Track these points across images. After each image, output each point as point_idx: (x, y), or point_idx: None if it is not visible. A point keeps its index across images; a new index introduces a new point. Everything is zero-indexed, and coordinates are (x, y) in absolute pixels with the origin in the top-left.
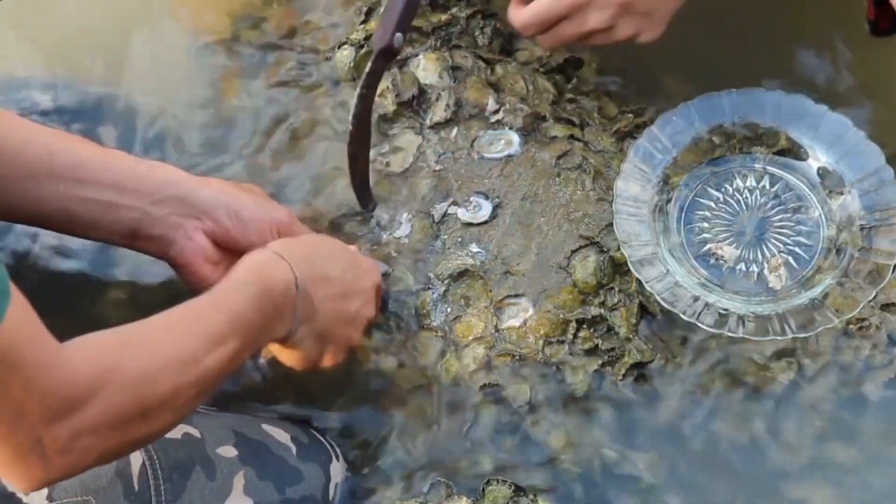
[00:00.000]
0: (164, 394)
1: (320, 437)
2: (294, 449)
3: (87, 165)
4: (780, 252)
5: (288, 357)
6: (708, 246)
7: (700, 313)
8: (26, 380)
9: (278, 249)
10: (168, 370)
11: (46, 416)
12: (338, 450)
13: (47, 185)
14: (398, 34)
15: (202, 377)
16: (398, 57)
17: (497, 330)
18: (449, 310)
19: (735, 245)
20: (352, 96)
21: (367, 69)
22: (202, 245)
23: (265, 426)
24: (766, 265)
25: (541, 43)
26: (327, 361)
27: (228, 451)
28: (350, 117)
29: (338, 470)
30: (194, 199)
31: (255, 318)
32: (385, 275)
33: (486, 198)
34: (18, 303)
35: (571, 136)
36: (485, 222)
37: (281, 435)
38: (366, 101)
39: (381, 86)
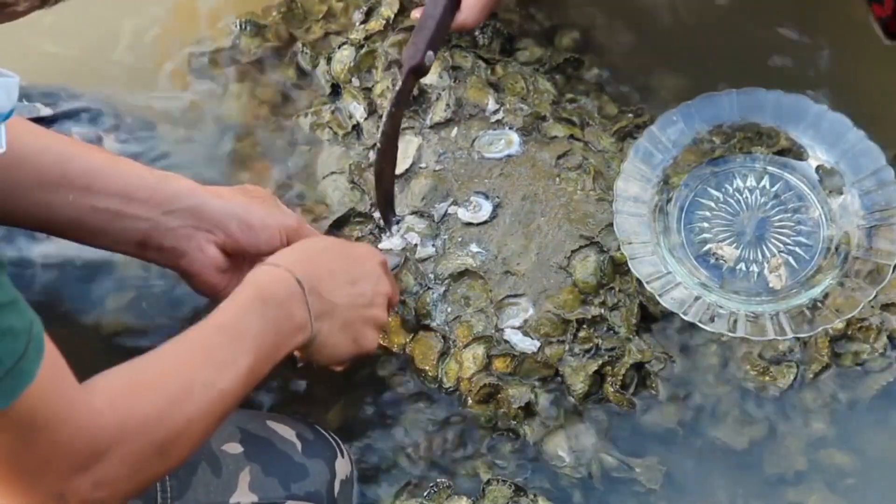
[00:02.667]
0: (179, 429)
1: (325, 434)
2: (299, 445)
3: (98, 174)
4: (780, 252)
5: (324, 357)
6: (708, 246)
7: (700, 313)
8: (52, 435)
9: (273, 260)
10: (182, 406)
11: (70, 469)
12: (343, 446)
13: (59, 193)
14: (430, 52)
15: (220, 402)
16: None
17: (497, 330)
18: (449, 310)
19: (735, 245)
20: (351, 99)
21: (396, 87)
22: (213, 256)
23: (270, 423)
24: (766, 265)
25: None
26: (365, 346)
27: (234, 448)
28: (378, 135)
29: (343, 466)
30: (205, 211)
31: (264, 330)
32: (395, 267)
33: (486, 198)
34: (50, 357)
35: (571, 136)
36: (485, 222)
37: (286, 431)
38: (395, 119)
39: (381, 86)
